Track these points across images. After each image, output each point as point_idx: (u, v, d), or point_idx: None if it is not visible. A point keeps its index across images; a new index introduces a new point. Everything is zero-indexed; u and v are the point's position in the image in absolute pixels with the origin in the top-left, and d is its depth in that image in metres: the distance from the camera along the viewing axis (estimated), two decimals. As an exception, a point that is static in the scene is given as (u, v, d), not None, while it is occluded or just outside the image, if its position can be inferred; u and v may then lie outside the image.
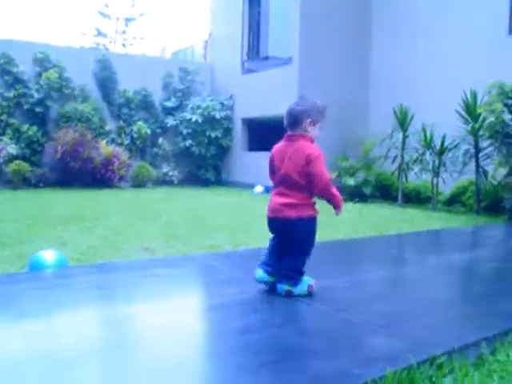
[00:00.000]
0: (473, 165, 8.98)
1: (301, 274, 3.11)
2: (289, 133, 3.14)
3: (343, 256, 4.85)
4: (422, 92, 11.44)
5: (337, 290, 3.42)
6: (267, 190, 12.31)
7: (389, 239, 5.78)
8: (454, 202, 10.12)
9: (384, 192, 11.43)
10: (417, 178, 10.34)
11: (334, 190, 3.07)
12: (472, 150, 8.97)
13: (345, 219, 7.57)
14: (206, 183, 14.55)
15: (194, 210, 8.38)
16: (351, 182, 10.90)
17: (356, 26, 12.76)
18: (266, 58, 13.55)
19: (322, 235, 5.83)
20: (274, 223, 3.13)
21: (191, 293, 3.48)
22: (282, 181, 3.08)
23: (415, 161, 9.94)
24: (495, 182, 8.38)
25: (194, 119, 13.83)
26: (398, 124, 10.42)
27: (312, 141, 3.12)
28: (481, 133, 8.62)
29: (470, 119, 8.88)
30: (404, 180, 10.51)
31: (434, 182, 9.64)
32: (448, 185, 10.01)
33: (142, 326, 2.67)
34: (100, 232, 5.81)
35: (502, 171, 7.20)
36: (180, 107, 14.58)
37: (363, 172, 11.09)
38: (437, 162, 9.50)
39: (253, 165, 13.58)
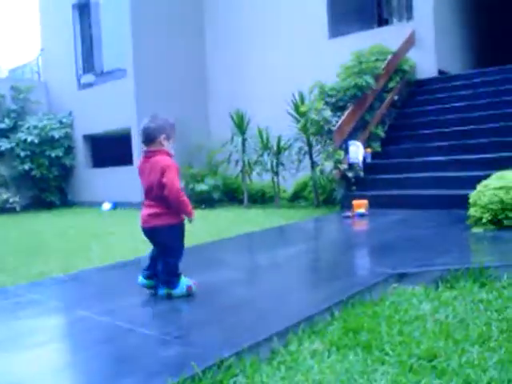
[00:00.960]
0: (308, 161, 9.46)
1: (177, 276, 3.41)
2: (146, 149, 3.42)
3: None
4: (257, 96, 11.85)
5: (140, 304, 3.41)
6: (115, 205, 11.99)
7: (224, 243, 5.86)
8: (297, 197, 10.58)
9: (232, 196, 11.65)
10: (260, 179, 10.66)
11: (184, 198, 3.30)
12: (305, 148, 9.43)
13: (188, 228, 7.57)
14: (50, 206, 13.79)
15: (32, 236, 7.88)
16: (203, 187, 10.94)
17: (190, 37, 12.87)
18: (102, 72, 13.19)
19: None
20: (145, 232, 3.44)
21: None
22: (146, 194, 3.40)
23: (255, 162, 10.25)
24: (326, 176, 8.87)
25: (29, 140, 13.04)
26: (236, 128, 10.67)
27: (168, 154, 3.40)
28: (311, 131, 9.08)
29: (299, 118, 9.33)
30: (248, 181, 10.78)
31: (275, 180, 10.01)
32: (290, 182, 10.44)
33: None
34: None
35: (329, 165, 7.64)
36: (15, 128, 13.68)
37: (210, 177, 11.20)
38: (275, 161, 9.86)
39: (99, 182, 13.14)
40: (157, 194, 3.31)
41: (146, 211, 3.39)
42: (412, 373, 2.29)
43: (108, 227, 8.42)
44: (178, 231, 3.43)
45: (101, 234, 7.53)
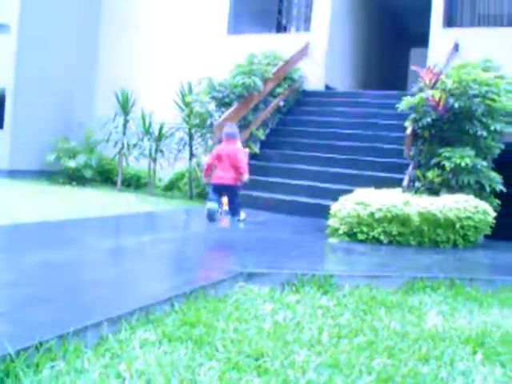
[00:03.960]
0: (187, 153, 9.36)
1: (240, 210, 5.32)
2: (228, 139, 5.26)
3: (20, 240, 4.52)
4: (147, 81, 11.55)
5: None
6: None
7: (83, 222, 5.61)
8: (172, 188, 10.43)
9: (105, 176, 11.25)
10: (138, 164, 10.39)
11: (246, 169, 5.15)
12: (186, 138, 9.34)
13: (55, 203, 7.20)
14: None
15: None
16: (71, 164, 10.44)
17: (87, 7, 12.24)
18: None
19: (21, 217, 5.39)
20: (220, 186, 5.14)
21: None
22: (224, 163, 5.10)
23: (135, 146, 9.97)
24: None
25: None
26: (119, 108, 10.31)
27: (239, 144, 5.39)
28: (195, 122, 9.00)
29: (185, 108, 9.22)
30: (125, 165, 10.46)
31: (152, 167, 9.80)
32: (168, 172, 10.27)
33: None
34: None
35: (205, 158, 7.59)
36: None
37: (85, 155, 10.72)
38: (154, 147, 9.66)
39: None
40: (234, 164, 5.06)
41: (224, 173, 5.10)
42: (236, 370, 2.30)
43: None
44: (240, 187, 5.30)
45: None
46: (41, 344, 2.19)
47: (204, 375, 2.24)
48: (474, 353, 2.74)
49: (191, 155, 9.22)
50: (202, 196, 9.24)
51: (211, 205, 5.00)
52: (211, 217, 5.03)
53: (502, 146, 6.75)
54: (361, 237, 5.29)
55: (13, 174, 10.63)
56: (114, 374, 2.19)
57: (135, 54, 12.03)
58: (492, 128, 6.43)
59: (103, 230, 5.44)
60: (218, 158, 5.13)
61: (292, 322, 3.01)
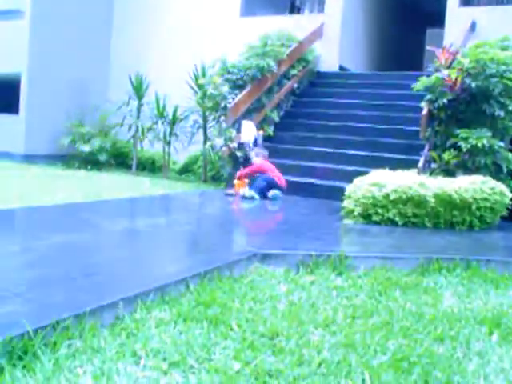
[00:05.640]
0: (202, 136, 9.35)
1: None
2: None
3: (36, 222, 4.56)
4: (161, 64, 11.53)
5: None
6: None
7: (99, 205, 5.65)
8: (186, 171, 10.45)
9: (120, 160, 11.30)
10: (152, 148, 10.41)
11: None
12: (200, 121, 9.32)
13: (70, 186, 7.26)
14: None
15: None
16: (86, 148, 10.50)
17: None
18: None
19: (37, 200, 5.43)
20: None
21: None
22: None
23: (149, 129, 9.99)
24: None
25: None
26: (133, 91, 10.31)
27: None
28: (208, 105, 8.96)
29: (198, 91, 9.18)
30: (140, 148, 10.50)
31: (167, 150, 9.82)
32: (182, 155, 10.29)
33: None
34: None
35: (219, 141, 7.60)
36: None
37: (99, 139, 10.76)
38: (168, 131, 9.67)
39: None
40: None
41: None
42: (251, 349, 2.31)
43: None
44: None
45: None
46: (58, 323, 2.21)
47: (219, 354, 2.26)
48: (490, 333, 2.73)
49: (205, 138, 9.21)
50: (216, 179, 9.26)
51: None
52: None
53: (520, 127, 6.65)
54: (375, 218, 5.26)
55: (28, 158, 10.73)
56: (129, 352, 2.21)
57: (148, 37, 12.00)
58: (510, 108, 6.31)
59: (118, 213, 5.48)
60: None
61: (307, 302, 3.01)
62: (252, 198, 6.56)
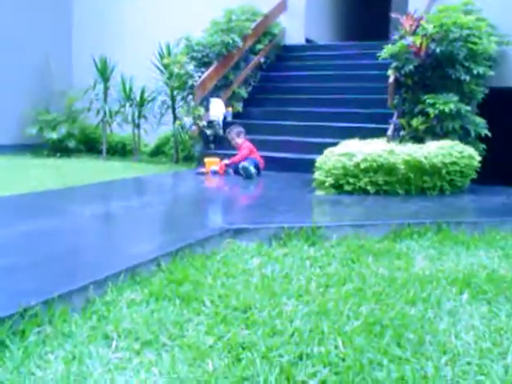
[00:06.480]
0: (171, 116, 9.24)
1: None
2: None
3: (3, 211, 4.47)
4: (124, 43, 11.26)
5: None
6: None
7: (69, 191, 5.56)
8: (158, 153, 10.35)
9: (90, 146, 11.10)
10: (122, 131, 10.26)
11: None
12: (169, 102, 9.19)
13: (40, 174, 7.11)
14: None
15: None
16: (53, 135, 10.30)
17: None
18: None
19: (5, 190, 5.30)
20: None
21: None
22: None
23: (117, 112, 9.83)
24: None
25: None
26: (99, 75, 10.11)
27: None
28: (175, 84, 8.84)
29: (164, 71, 9.04)
30: (109, 132, 10.34)
31: (136, 133, 9.70)
32: (153, 136, 10.16)
33: None
34: None
35: (188, 121, 7.51)
36: None
37: (67, 125, 10.56)
38: (137, 113, 9.53)
39: None
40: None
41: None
42: (224, 323, 2.31)
43: None
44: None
45: None
46: (25, 310, 2.18)
47: (192, 330, 2.25)
48: (461, 293, 2.77)
49: (175, 118, 9.10)
50: (188, 159, 9.20)
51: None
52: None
53: (486, 91, 6.71)
54: (347, 188, 5.28)
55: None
56: (101, 335, 2.19)
57: (110, 18, 11.70)
58: (475, 72, 6.35)
59: (88, 198, 5.39)
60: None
61: (280, 274, 3.02)
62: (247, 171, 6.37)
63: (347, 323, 2.33)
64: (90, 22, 11.95)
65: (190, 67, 7.73)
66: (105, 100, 10.04)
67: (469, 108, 6.32)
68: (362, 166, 5.20)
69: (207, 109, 7.60)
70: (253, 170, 6.41)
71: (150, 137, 10.12)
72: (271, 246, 3.60)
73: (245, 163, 6.41)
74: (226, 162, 6.73)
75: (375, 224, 4.03)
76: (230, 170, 6.68)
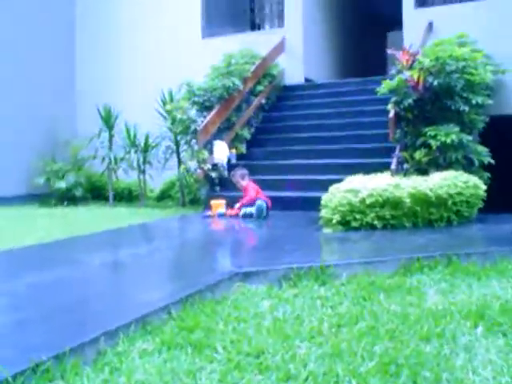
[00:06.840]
0: (176, 160, 9.34)
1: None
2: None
3: (13, 266, 4.48)
4: (128, 92, 11.50)
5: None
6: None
7: (75, 241, 5.57)
8: (164, 197, 10.42)
9: (97, 193, 11.21)
10: (127, 177, 10.36)
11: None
12: (173, 146, 9.31)
13: (47, 224, 7.15)
14: None
15: None
16: (62, 184, 10.40)
17: (60, 28, 12.17)
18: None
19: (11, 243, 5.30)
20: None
21: None
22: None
23: (122, 159, 9.94)
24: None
25: None
26: (103, 123, 10.27)
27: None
28: (178, 130, 8.96)
29: (167, 116, 9.19)
30: (115, 179, 10.43)
31: (142, 178, 9.79)
32: (158, 181, 10.26)
33: None
34: None
35: (193, 164, 7.58)
36: None
37: (73, 174, 10.68)
38: (142, 159, 9.64)
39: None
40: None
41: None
42: (238, 370, 2.28)
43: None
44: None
45: None
46: (37, 366, 2.16)
47: (205, 378, 2.22)
48: (475, 326, 2.74)
49: (179, 162, 9.19)
50: (195, 202, 9.24)
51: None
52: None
53: (486, 119, 6.77)
54: (354, 224, 5.28)
55: (2, 200, 10.54)
56: (114, 387, 2.17)
57: (112, 67, 11.97)
58: (474, 102, 6.43)
59: (96, 247, 5.40)
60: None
61: (291, 316, 2.99)
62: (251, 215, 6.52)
63: (362, 364, 2.30)
64: (93, 74, 12.23)
65: (192, 112, 7.85)
66: (110, 147, 10.16)
67: (470, 137, 6.37)
68: (368, 201, 5.21)
69: (211, 152, 7.68)
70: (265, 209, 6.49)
71: (156, 182, 10.22)
72: (281, 288, 3.57)
73: (260, 202, 6.50)
74: (237, 206, 6.72)
75: (384, 260, 4.00)
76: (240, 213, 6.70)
